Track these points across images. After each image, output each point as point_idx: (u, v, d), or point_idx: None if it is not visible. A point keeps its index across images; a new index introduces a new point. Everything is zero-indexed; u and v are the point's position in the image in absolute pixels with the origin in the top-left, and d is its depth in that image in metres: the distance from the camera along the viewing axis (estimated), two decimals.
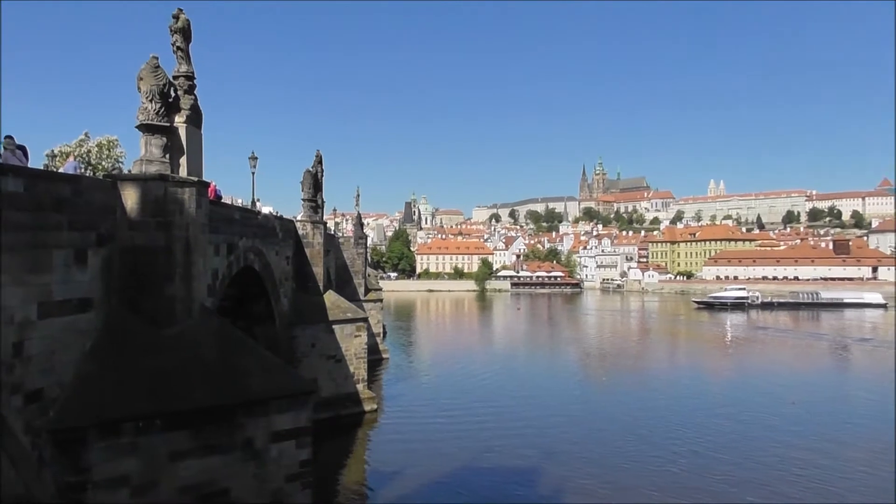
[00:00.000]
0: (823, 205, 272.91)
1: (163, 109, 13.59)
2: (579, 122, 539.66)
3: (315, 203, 36.01)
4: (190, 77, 14.92)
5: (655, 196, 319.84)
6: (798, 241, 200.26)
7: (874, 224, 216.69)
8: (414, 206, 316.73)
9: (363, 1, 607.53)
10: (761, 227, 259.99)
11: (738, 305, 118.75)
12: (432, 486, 24.41)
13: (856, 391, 43.40)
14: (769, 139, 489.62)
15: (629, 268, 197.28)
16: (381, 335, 57.51)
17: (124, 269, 12.44)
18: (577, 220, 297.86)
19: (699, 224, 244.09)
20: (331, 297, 34.92)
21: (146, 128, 13.51)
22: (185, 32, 14.87)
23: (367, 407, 34.48)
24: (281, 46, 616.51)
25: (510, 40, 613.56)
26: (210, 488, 11.44)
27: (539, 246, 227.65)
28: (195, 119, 15.06)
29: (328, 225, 44.22)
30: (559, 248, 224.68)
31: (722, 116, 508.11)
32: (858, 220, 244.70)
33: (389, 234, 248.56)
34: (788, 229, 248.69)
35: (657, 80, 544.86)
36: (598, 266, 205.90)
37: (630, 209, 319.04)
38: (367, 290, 55.01)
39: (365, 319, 36.32)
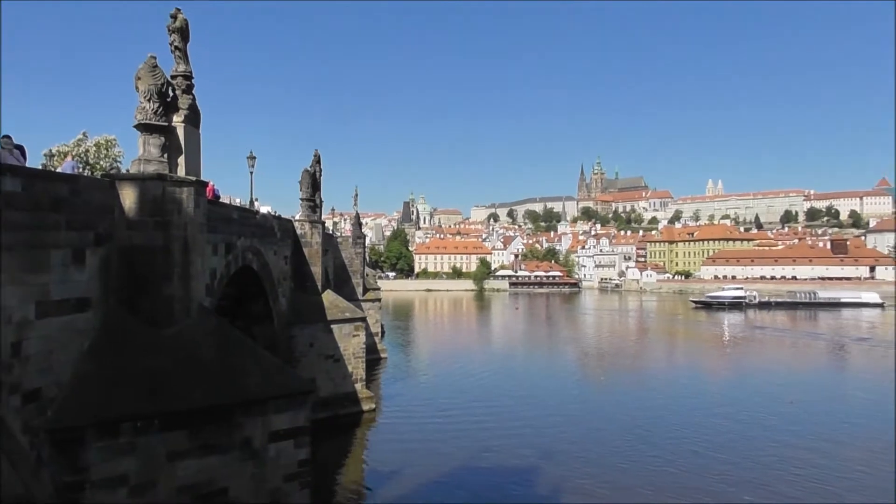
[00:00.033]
0: (821, 204, 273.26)
1: (161, 109, 13.57)
2: (577, 121, 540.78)
3: (313, 202, 36.00)
4: (188, 77, 14.89)
5: (653, 196, 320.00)
6: (796, 240, 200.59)
7: (872, 224, 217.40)
8: (412, 205, 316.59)
9: (362, 1, 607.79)
10: (759, 226, 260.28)
11: (736, 305, 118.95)
12: (430, 485, 24.43)
13: (853, 391, 43.46)
14: (767, 139, 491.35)
15: (627, 267, 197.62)
16: (380, 335, 57.50)
17: (122, 268, 12.42)
18: (575, 220, 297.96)
19: (697, 224, 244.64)
20: (329, 297, 34.92)
21: (144, 127, 13.49)
22: (184, 32, 14.85)
23: (366, 406, 34.49)
24: (279, 46, 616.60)
25: (508, 40, 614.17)
26: (208, 488, 11.43)
27: (537, 245, 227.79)
28: (193, 119, 15.04)
29: (326, 224, 44.19)
30: (557, 247, 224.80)
31: (720, 116, 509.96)
32: (856, 220, 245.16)
33: (388, 233, 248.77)
34: (786, 229, 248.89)
35: (655, 80, 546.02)
36: (597, 266, 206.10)
37: (628, 209, 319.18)
38: (366, 290, 55.03)
39: (363, 319, 36.32)
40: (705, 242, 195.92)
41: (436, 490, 23.91)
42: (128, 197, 12.64)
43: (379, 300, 58.29)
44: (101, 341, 11.56)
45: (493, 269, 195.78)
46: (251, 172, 35.59)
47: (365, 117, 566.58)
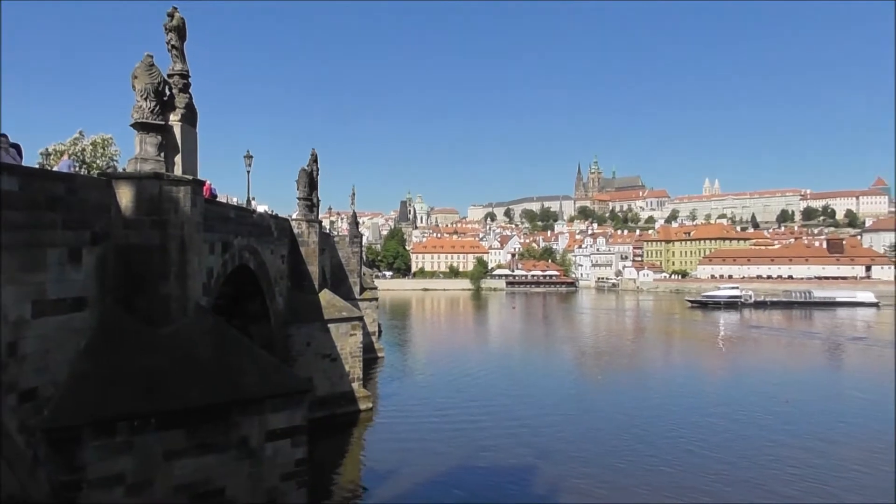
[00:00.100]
0: (818, 204, 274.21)
1: (158, 108, 13.56)
2: (575, 121, 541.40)
3: (310, 202, 35.96)
4: (185, 75, 14.89)
5: (650, 195, 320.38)
6: (792, 240, 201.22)
7: (868, 223, 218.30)
8: (409, 204, 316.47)
9: (360, 1, 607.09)
10: (756, 226, 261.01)
11: (732, 304, 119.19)
12: (427, 485, 24.44)
13: (849, 390, 43.59)
14: (764, 139, 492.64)
15: (624, 267, 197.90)
16: (377, 334, 57.47)
17: (119, 267, 12.40)
18: (572, 219, 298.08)
19: (694, 223, 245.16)
20: (326, 296, 34.89)
21: (141, 126, 13.48)
22: (180, 31, 14.84)
23: (363, 406, 34.48)
24: (277, 46, 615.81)
25: (505, 40, 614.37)
26: (205, 487, 11.44)
27: (534, 245, 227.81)
28: (190, 118, 15.04)
29: (323, 224, 44.19)
30: (554, 247, 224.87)
31: (717, 116, 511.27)
32: (852, 220, 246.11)
33: (385, 232, 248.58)
34: (783, 228, 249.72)
35: (653, 80, 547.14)
36: (594, 265, 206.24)
37: (625, 208, 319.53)
38: (363, 289, 55.01)
39: (360, 318, 36.31)
40: (702, 242, 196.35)
41: (433, 489, 23.92)
42: (124, 196, 12.62)
43: (376, 299, 58.27)
44: (98, 340, 11.55)
45: (489, 268, 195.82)
46: (248, 171, 35.63)
47: (362, 117, 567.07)
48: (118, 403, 10.82)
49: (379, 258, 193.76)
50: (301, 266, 34.04)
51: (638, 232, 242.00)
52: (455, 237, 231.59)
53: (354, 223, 63.73)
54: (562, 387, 45.07)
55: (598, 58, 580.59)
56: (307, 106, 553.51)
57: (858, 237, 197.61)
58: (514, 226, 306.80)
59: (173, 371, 11.98)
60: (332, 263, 48.23)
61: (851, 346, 67.40)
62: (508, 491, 23.89)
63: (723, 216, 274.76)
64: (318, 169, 38.40)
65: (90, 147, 36.92)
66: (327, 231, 55.95)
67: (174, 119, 14.40)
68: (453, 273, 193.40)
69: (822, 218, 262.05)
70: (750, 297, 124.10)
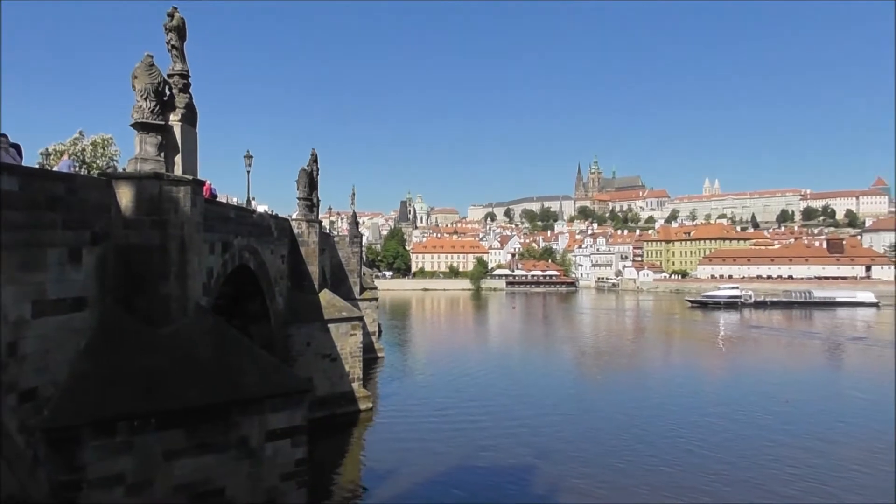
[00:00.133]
0: (818, 204, 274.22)
1: (157, 108, 13.57)
2: (575, 120, 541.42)
3: (310, 202, 35.96)
4: (185, 75, 14.89)
5: (650, 195, 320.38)
6: (792, 240, 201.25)
7: (868, 223, 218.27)
8: (409, 204, 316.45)
9: (359, 1, 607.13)
10: (756, 226, 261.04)
11: (732, 304, 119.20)
12: (427, 484, 24.44)
13: (849, 390, 43.58)
14: (764, 139, 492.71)
15: (624, 267, 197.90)
16: (377, 334, 57.48)
17: (119, 267, 12.41)
18: (572, 219, 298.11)
19: (694, 223, 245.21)
20: (326, 296, 34.89)
21: (141, 126, 13.48)
22: (180, 31, 14.85)
23: (363, 406, 34.49)
24: (277, 46, 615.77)
25: (505, 40, 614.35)
26: (205, 487, 11.45)
27: (534, 245, 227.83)
28: (190, 117, 15.04)
29: (323, 224, 44.19)
30: (554, 247, 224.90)
31: (717, 116, 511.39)
32: (852, 220, 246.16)
33: (385, 232, 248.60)
34: (783, 228, 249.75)
35: (653, 80, 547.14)
36: (594, 265, 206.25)
37: (625, 208, 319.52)
38: (363, 289, 55.01)
39: (360, 318, 36.31)
40: (702, 242, 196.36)
41: (432, 489, 23.92)
42: (124, 196, 12.63)
43: (376, 299, 58.27)
44: (98, 340, 11.56)
45: (489, 268, 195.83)
46: (248, 171, 35.64)
47: (362, 116, 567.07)
48: (118, 403, 10.83)
49: (379, 258, 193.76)
50: (301, 266, 34.04)
51: (638, 232, 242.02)
52: (455, 237, 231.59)
53: (354, 223, 63.74)
54: (561, 387, 45.07)
55: (598, 58, 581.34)
56: (307, 106, 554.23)
57: (858, 237, 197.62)
58: (514, 226, 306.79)
59: (173, 371, 11.99)
60: (332, 263, 48.23)
61: (851, 346, 67.39)
62: (508, 491, 23.89)
63: (723, 216, 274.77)
64: (317, 169, 38.41)
65: (90, 147, 36.94)
66: (327, 231, 55.96)
67: (174, 119, 14.41)
68: (453, 273, 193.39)
69: (822, 218, 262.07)
70: (750, 297, 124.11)
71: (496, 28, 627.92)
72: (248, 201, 37.74)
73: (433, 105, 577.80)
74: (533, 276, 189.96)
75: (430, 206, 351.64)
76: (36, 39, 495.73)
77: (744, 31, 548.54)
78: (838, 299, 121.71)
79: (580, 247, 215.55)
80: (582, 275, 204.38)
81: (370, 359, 48.01)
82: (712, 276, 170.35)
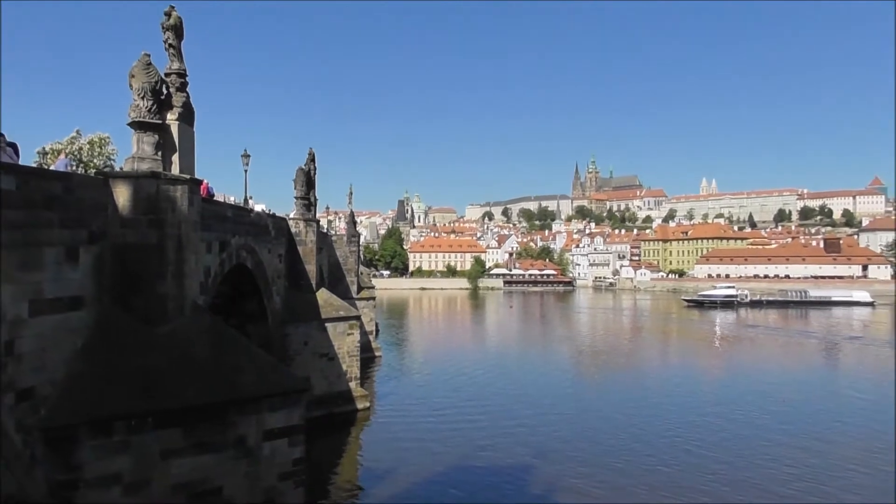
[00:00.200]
0: (814, 203, 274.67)
1: (155, 107, 13.54)
2: (572, 120, 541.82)
3: (308, 201, 35.93)
4: (182, 74, 14.88)
5: (648, 194, 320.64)
6: (789, 239, 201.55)
7: (865, 223, 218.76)
8: (407, 204, 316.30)
9: (360, 1, 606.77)
10: (753, 225, 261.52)
11: (728, 304, 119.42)
12: (424, 484, 24.44)
13: (846, 389, 43.68)
14: (761, 138, 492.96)
15: (621, 266, 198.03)
16: (374, 333, 57.45)
17: (116, 266, 12.40)
18: (569, 219, 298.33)
19: (691, 222, 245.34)
20: (323, 295, 34.87)
21: (138, 125, 13.46)
22: (178, 30, 14.84)
23: (360, 405, 34.47)
24: (275, 45, 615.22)
25: (504, 40, 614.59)
26: (202, 486, 11.44)
27: (532, 244, 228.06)
28: (187, 117, 15.03)
29: (321, 223, 44.14)
30: (552, 246, 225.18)
31: (715, 115, 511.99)
32: (849, 219, 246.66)
33: (382, 232, 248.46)
34: (780, 228, 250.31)
35: (650, 79, 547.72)
36: (591, 264, 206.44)
37: (622, 207, 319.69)
38: (360, 288, 54.95)
39: (357, 317, 36.27)
40: (699, 241, 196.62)
41: (430, 489, 23.92)
42: (121, 195, 12.61)
43: (373, 299, 58.23)
44: (95, 339, 11.54)
45: (487, 267, 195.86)
46: (245, 171, 35.58)
47: (360, 116, 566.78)
48: (115, 402, 10.81)
49: (376, 257, 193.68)
50: (298, 265, 34.01)
51: (635, 231, 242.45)
52: (453, 236, 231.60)
53: (352, 222, 63.68)
54: (559, 386, 45.09)
55: (596, 58, 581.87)
56: (305, 105, 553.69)
57: (855, 237, 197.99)
58: (511, 225, 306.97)
59: (170, 370, 11.97)
60: (329, 262, 48.19)
61: (847, 346, 67.54)
62: (506, 490, 23.89)
63: (720, 216, 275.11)
64: (315, 168, 38.38)
65: (87, 146, 36.88)
66: (325, 230, 55.89)
67: (171, 118, 14.39)
68: (451, 272, 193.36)
69: (819, 217, 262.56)
70: (746, 296, 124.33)
71: (494, 28, 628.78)
72: (246, 200, 37.70)
73: (431, 104, 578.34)
74: (530, 275, 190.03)
75: (427, 205, 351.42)
76: (33, 38, 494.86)
77: (742, 31, 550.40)
78: (834, 298, 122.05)
79: (577, 246, 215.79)
80: (579, 274, 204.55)
81: (367, 358, 47.98)
82: (709, 276, 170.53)
